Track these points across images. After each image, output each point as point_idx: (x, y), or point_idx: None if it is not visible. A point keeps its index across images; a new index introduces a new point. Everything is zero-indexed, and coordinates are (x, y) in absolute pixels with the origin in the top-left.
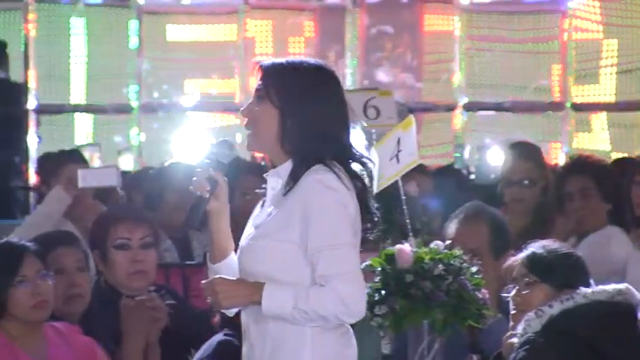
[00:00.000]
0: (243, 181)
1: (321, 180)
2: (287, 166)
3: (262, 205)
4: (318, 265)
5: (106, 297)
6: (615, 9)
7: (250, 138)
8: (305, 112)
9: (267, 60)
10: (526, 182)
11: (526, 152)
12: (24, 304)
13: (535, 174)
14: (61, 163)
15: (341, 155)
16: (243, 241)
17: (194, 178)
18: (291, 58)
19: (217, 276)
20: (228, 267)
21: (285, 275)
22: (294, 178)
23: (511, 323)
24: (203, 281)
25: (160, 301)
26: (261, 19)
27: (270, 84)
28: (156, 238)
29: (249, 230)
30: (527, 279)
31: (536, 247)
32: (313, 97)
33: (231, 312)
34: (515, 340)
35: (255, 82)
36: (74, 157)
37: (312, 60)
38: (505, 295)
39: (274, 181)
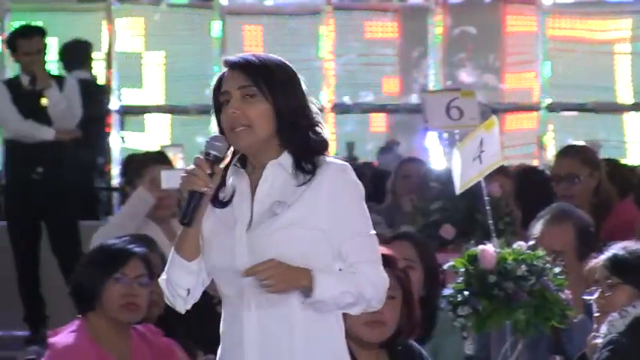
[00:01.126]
0: None
1: (344, 170)
2: (287, 158)
3: (244, 196)
4: (350, 252)
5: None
6: None
7: (244, 134)
8: (295, 104)
9: (238, 57)
10: (575, 179)
11: (573, 151)
12: (115, 301)
13: (581, 171)
14: (146, 164)
15: (324, 146)
16: (259, 231)
17: (193, 173)
18: (258, 54)
19: (272, 258)
20: (201, 265)
21: (317, 262)
22: (309, 170)
23: (595, 325)
24: (257, 263)
25: None
26: (343, 20)
27: (260, 80)
28: None
29: (262, 219)
30: (609, 281)
31: (617, 248)
32: (298, 90)
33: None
34: (599, 341)
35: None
36: (159, 158)
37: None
38: (588, 297)
39: (276, 172)
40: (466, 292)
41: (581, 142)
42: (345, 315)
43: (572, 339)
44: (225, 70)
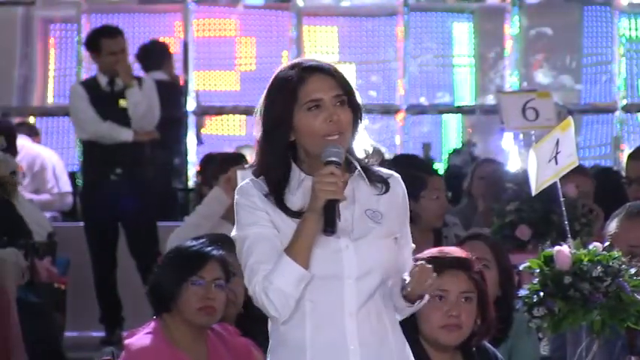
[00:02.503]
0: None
1: (401, 181)
2: (358, 167)
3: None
4: (407, 262)
5: None
6: None
7: (337, 142)
8: (361, 115)
9: (325, 64)
10: None
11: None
12: (192, 304)
13: None
14: (222, 165)
15: (381, 155)
16: (364, 240)
17: (333, 181)
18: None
19: (422, 262)
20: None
21: (396, 269)
22: (381, 179)
23: None
24: (419, 262)
25: None
26: (420, 20)
27: (344, 88)
28: None
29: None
30: None
31: None
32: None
33: None
34: None
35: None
36: (235, 158)
37: None
38: None
39: (360, 181)
40: (541, 293)
41: None
42: (422, 318)
43: None
44: (294, 73)
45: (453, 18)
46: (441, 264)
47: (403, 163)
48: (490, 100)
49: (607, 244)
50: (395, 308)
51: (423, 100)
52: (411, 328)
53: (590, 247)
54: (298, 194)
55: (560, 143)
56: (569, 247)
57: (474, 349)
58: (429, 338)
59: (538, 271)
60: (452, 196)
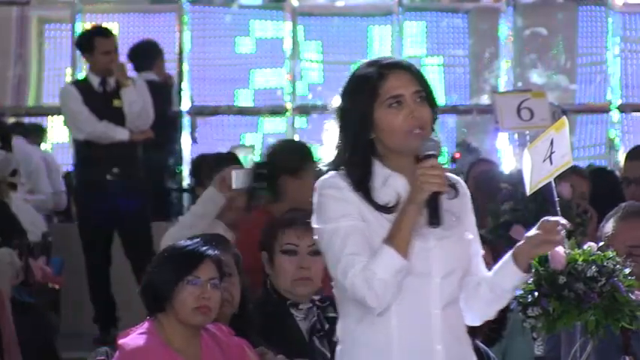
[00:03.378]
0: None
1: (463, 182)
2: None
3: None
4: (479, 267)
5: (271, 300)
6: None
7: (420, 137)
8: (437, 112)
9: (405, 61)
10: None
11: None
12: (188, 304)
13: None
14: (217, 164)
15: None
16: (447, 240)
17: (437, 174)
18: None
19: None
20: None
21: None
22: (452, 183)
23: None
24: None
25: None
26: (415, 20)
27: (423, 84)
28: None
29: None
30: None
31: None
32: None
33: None
34: None
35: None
36: (229, 158)
37: None
38: None
39: None
40: (536, 293)
41: None
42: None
43: None
44: (374, 70)
45: (446, 17)
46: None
47: None
48: (485, 100)
49: (601, 244)
50: (489, 299)
51: None
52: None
53: (585, 247)
54: (385, 190)
55: (555, 143)
56: (564, 247)
57: None
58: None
59: (533, 271)
60: None
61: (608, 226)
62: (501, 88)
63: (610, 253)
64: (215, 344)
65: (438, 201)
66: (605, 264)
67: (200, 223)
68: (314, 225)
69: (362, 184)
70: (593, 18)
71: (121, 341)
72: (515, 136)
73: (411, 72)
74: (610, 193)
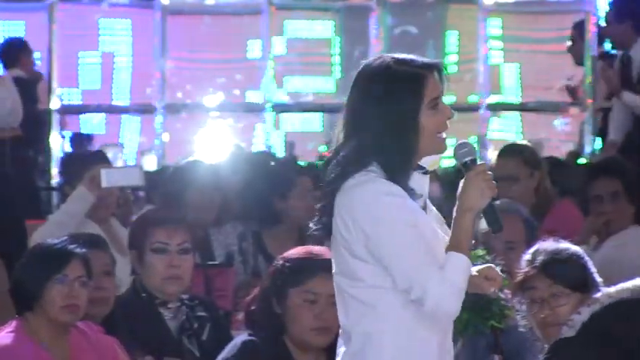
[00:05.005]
0: (304, 182)
1: None
2: None
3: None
4: None
5: (139, 299)
6: None
7: (445, 141)
8: None
9: (437, 61)
10: (515, 180)
11: (513, 151)
12: (56, 302)
13: (521, 171)
14: (85, 163)
15: None
16: None
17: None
18: None
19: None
20: None
21: None
22: None
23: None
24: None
25: None
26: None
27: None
28: (194, 243)
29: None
30: (553, 290)
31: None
32: None
33: None
34: None
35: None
36: (98, 157)
37: None
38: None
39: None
40: None
41: (522, 142)
42: (291, 320)
43: (511, 338)
44: (419, 71)
45: (317, 16)
46: (312, 267)
47: (270, 162)
48: None
49: (472, 242)
50: None
51: (286, 99)
52: (276, 328)
53: None
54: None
55: None
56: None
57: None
58: (298, 340)
59: None
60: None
61: (483, 224)
62: None
63: (480, 252)
64: (85, 342)
65: (494, 206)
66: (474, 262)
67: (70, 221)
68: (368, 230)
69: (408, 187)
70: (464, 17)
71: None
72: None
73: (440, 74)
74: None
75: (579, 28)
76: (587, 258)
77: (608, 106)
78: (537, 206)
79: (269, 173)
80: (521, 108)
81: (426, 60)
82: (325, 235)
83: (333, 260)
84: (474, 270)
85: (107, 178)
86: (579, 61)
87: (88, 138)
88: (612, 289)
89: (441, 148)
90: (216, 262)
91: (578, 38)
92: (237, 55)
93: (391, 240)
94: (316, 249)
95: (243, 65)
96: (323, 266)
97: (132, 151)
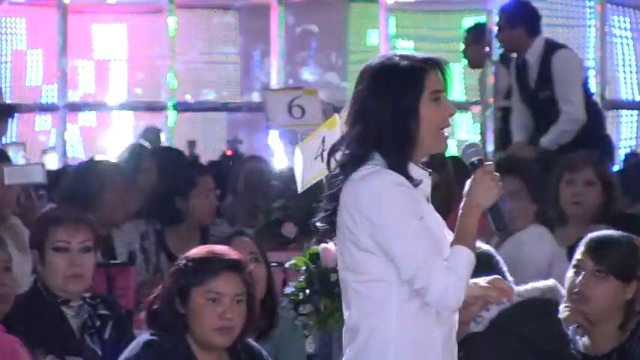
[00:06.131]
0: (206, 182)
1: None
2: None
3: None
4: None
5: (41, 298)
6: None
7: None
8: None
9: (438, 58)
10: None
11: None
12: None
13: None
14: None
15: None
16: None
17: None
18: None
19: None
20: None
21: None
22: None
23: None
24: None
25: None
26: (186, 18)
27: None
28: (95, 242)
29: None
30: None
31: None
32: None
33: None
34: None
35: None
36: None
37: None
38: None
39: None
40: (307, 291)
41: None
42: (194, 320)
43: None
44: (417, 64)
45: (219, 15)
46: (215, 266)
47: (173, 161)
48: (256, 97)
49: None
50: None
51: (189, 98)
52: (179, 327)
53: None
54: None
55: (327, 141)
56: (335, 244)
57: (239, 346)
58: (200, 339)
59: (304, 268)
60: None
61: None
62: (272, 86)
63: None
64: None
65: (499, 205)
66: None
67: None
68: (375, 220)
69: (408, 175)
70: (364, 15)
71: None
72: (287, 133)
73: (442, 71)
74: None
75: (472, 32)
76: (498, 257)
77: (506, 105)
78: (440, 205)
79: (171, 172)
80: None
81: (429, 55)
82: (330, 231)
83: (338, 255)
84: (483, 281)
85: (9, 176)
86: (474, 65)
87: None
88: (522, 288)
89: (442, 145)
90: (118, 261)
91: (472, 42)
92: (141, 53)
93: (398, 229)
94: (218, 248)
95: (146, 64)
96: (226, 265)
97: (34, 150)
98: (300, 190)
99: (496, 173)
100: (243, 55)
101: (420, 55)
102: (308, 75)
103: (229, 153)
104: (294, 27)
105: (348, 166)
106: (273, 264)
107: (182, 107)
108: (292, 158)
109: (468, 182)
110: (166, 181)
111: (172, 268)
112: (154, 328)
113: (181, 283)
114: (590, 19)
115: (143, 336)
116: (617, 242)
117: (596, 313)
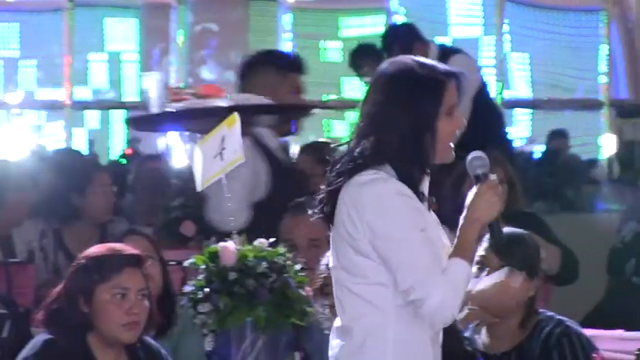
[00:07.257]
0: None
1: None
2: None
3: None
4: None
5: None
6: None
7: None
8: None
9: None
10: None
11: (309, 149)
12: None
13: (315, 169)
14: None
15: None
16: None
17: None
18: None
19: None
20: None
21: None
22: None
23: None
24: None
25: None
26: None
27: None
28: None
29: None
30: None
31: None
32: None
33: None
34: None
35: None
36: None
37: None
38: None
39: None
40: (207, 289)
41: (323, 139)
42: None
43: (312, 336)
44: (439, 76)
45: (118, 13)
46: (117, 262)
47: (68, 158)
48: None
49: (272, 240)
50: None
51: (88, 96)
52: (80, 327)
53: (256, 243)
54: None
55: (226, 139)
56: (235, 243)
57: (138, 344)
58: (107, 336)
59: (203, 267)
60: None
61: (286, 221)
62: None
63: (280, 250)
64: None
65: (499, 221)
66: (275, 260)
67: None
68: (377, 229)
69: (419, 191)
70: (265, 14)
71: None
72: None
73: (459, 83)
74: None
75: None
76: None
77: None
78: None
79: (66, 169)
80: (323, 106)
81: (447, 67)
82: (325, 222)
83: (332, 253)
84: None
85: None
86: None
87: None
88: None
89: (448, 156)
90: (17, 260)
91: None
92: (39, 52)
93: (400, 240)
94: (117, 245)
95: (45, 63)
96: (128, 261)
97: None
98: (199, 188)
99: (500, 188)
100: (143, 54)
101: (438, 64)
102: (207, 74)
103: (129, 152)
104: (194, 25)
105: (354, 168)
106: (172, 262)
107: (81, 106)
108: (191, 157)
109: (470, 194)
110: (62, 178)
111: (72, 267)
112: (52, 328)
113: (84, 281)
114: (490, 17)
115: (41, 335)
116: (521, 239)
117: (502, 309)
